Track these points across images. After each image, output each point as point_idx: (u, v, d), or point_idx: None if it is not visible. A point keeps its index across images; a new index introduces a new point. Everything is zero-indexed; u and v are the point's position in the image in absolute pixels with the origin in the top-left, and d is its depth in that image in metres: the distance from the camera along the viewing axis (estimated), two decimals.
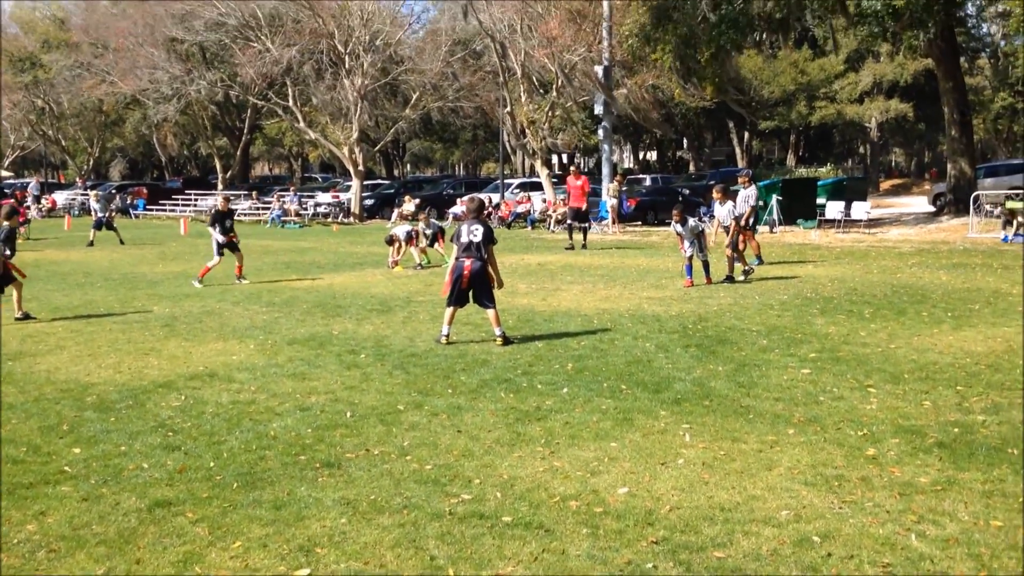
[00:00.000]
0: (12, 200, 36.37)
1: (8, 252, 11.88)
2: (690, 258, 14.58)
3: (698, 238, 14.60)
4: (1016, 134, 54.12)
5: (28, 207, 38.25)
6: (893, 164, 69.00)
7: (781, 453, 5.93)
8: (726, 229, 15.40)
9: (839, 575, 4.17)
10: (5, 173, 50.96)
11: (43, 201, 42.79)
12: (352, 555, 4.46)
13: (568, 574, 4.23)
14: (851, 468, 5.62)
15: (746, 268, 15.36)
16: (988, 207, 26.65)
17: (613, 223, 28.55)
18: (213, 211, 17.15)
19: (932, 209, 34.00)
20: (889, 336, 9.91)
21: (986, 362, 8.48)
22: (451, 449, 6.12)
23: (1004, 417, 6.65)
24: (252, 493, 5.32)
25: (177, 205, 44.94)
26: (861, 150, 63.92)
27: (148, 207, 44.78)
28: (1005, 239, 22.39)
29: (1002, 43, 52.15)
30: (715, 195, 16.26)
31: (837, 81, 50.63)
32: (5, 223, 12.11)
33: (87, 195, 44.58)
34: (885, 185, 55.48)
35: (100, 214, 26.55)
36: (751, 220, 17.04)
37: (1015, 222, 22.69)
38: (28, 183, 49.38)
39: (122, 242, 25.41)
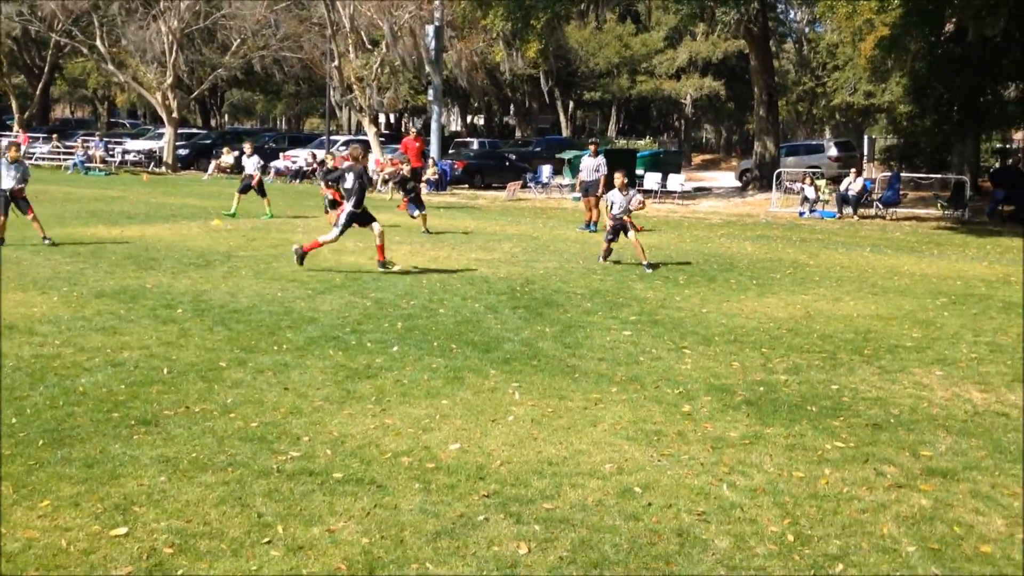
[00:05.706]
0: None
1: None
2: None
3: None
4: (815, 116, 58.09)
5: None
6: (704, 140, 72.37)
7: (605, 410, 6.16)
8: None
9: (659, 523, 4.39)
10: None
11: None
12: (173, 513, 4.28)
13: (401, 528, 4.23)
14: (668, 424, 5.92)
15: None
16: (788, 183, 28.53)
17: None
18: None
19: (739, 184, 36.04)
20: (701, 301, 10.46)
21: (787, 326, 9.10)
22: (278, 407, 5.97)
23: (804, 377, 7.17)
24: (60, 451, 4.99)
25: None
26: (677, 125, 66.63)
27: None
28: (801, 214, 24.11)
29: (807, 30, 55.63)
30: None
31: (657, 57, 52.44)
32: None
33: None
34: (696, 160, 58.12)
35: None
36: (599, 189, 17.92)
37: (809, 199, 24.53)
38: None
39: None
